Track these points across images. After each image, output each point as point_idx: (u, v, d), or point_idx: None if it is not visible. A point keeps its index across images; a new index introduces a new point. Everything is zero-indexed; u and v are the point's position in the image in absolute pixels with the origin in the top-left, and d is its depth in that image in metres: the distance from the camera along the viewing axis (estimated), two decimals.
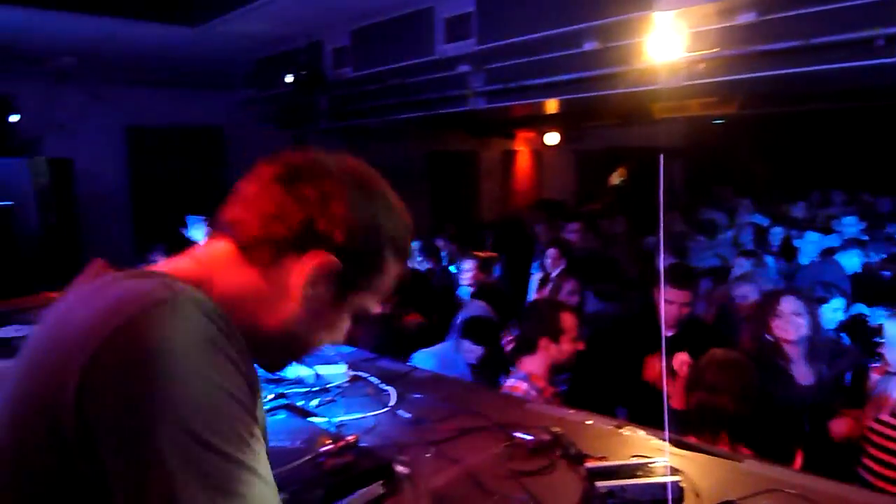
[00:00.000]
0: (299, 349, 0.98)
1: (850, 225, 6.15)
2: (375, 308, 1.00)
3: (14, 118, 5.16)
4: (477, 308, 3.90)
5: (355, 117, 7.19)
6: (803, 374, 2.95)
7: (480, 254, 5.37)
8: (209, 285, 0.86)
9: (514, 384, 2.64)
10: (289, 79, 6.05)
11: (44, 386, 0.76)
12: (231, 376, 0.77)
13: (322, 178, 0.92)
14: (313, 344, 0.98)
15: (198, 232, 4.78)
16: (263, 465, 0.78)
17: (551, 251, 5.14)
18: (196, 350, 0.75)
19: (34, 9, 4.71)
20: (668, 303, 3.25)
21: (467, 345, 3.43)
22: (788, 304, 2.99)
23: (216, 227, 0.96)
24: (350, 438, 1.59)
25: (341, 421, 1.91)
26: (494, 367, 3.38)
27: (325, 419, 1.89)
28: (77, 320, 0.79)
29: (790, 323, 2.96)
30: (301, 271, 0.90)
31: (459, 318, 3.74)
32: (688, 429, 2.24)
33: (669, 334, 3.31)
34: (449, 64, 5.62)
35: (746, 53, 4.26)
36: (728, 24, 4.23)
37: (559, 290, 4.09)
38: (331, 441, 1.55)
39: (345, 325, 0.99)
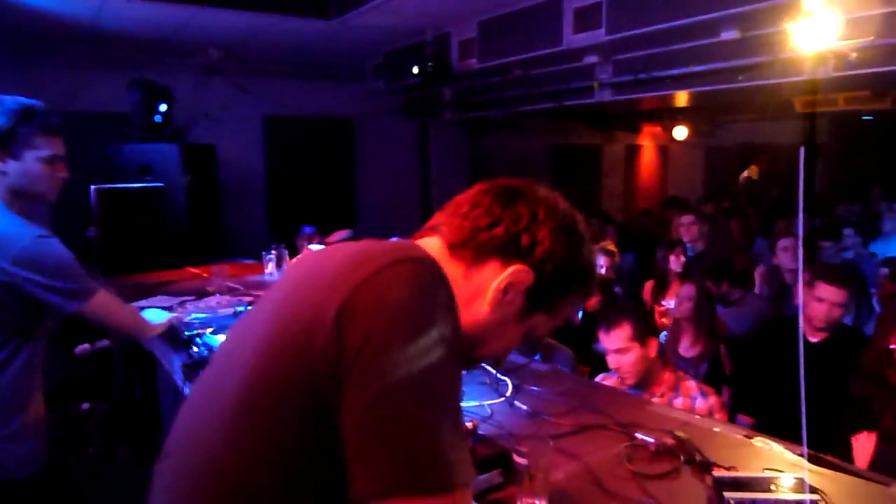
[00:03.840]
0: (472, 353, 1.03)
1: None
2: (545, 334, 1.05)
3: (163, 107, 5.62)
4: None
5: (479, 109, 7.22)
6: None
7: (610, 246, 5.17)
8: None
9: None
10: (415, 70, 6.17)
11: (306, 311, 0.85)
12: (456, 338, 0.85)
13: (536, 204, 1.01)
14: (485, 352, 1.05)
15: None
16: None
17: (677, 250, 4.92)
18: (440, 305, 0.85)
19: (192, 6, 5.10)
20: (819, 301, 2.99)
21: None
22: None
23: (427, 228, 1.05)
24: (469, 424, 1.61)
25: None
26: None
27: None
28: (337, 262, 0.91)
29: None
30: (498, 277, 0.98)
31: None
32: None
33: (815, 341, 3.06)
34: (576, 55, 5.51)
35: None
36: (886, 10, 3.86)
37: (676, 295, 3.83)
38: None
39: (515, 342, 1.06)
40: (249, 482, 0.84)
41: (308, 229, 5.52)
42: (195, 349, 2.44)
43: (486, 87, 6.73)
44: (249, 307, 2.82)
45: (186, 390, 2.25)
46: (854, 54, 4.21)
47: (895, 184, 9.58)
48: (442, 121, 8.09)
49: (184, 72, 6.70)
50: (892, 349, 2.67)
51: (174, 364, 2.46)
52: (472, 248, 0.98)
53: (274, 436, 0.83)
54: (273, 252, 4.34)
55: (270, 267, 4.30)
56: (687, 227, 5.59)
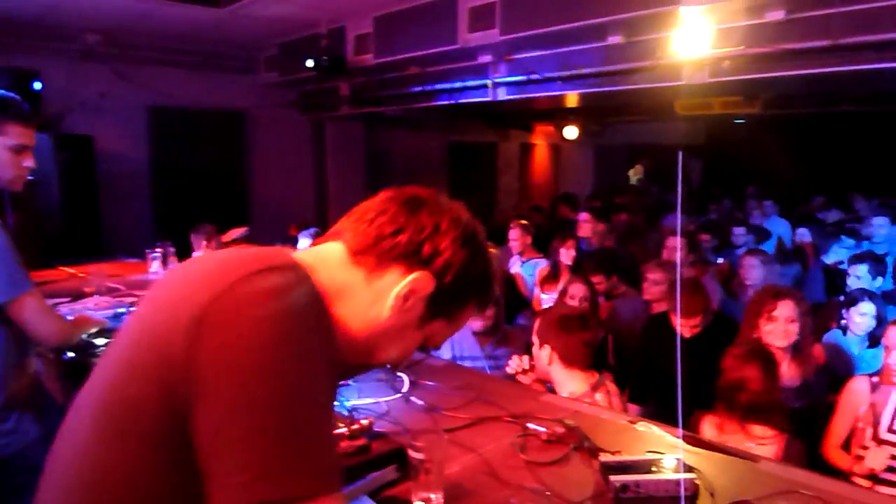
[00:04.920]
0: (371, 359, 1.04)
1: (882, 226, 5.92)
2: (443, 341, 1.10)
3: (37, 85, 5.22)
4: None
5: (376, 104, 7.18)
6: (789, 375, 2.87)
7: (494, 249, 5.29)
8: (315, 275, 0.92)
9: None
10: (310, 64, 6.04)
11: (167, 318, 0.84)
12: (323, 347, 0.85)
13: (440, 214, 1.02)
14: (384, 357, 1.05)
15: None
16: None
17: (569, 244, 5.09)
18: (305, 315, 0.84)
19: None
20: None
21: None
22: (784, 310, 2.87)
23: (331, 233, 1.05)
24: (364, 422, 1.60)
25: (354, 405, 1.92)
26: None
27: (338, 402, 1.89)
28: (205, 270, 0.91)
29: (782, 330, 2.86)
30: (399, 283, 0.98)
31: None
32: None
33: (689, 336, 3.30)
34: (471, 54, 5.59)
35: (773, 52, 4.21)
36: (756, 22, 4.18)
37: (566, 294, 3.95)
38: (344, 424, 1.55)
39: (413, 348, 1.07)
40: (113, 497, 0.82)
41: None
42: (70, 353, 2.29)
43: (382, 83, 6.70)
44: (132, 308, 2.68)
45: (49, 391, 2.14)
46: (726, 62, 4.53)
47: (767, 182, 10.38)
48: (338, 115, 7.99)
49: (57, 57, 6.23)
50: (758, 337, 2.90)
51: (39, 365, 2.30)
52: (376, 255, 0.99)
53: (134, 448, 0.82)
54: (158, 250, 4.13)
55: (155, 266, 4.09)
56: (581, 224, 5.79)
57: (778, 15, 4.03)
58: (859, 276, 3.97)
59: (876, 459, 2.37)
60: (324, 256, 1.00)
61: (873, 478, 2.39)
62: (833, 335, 3.54)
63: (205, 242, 4.71)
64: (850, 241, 5.26)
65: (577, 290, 3.78)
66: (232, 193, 7.92)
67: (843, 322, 3.50)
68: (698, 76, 4.72)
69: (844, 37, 3.84)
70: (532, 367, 2.52)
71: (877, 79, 4.99)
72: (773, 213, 8.08)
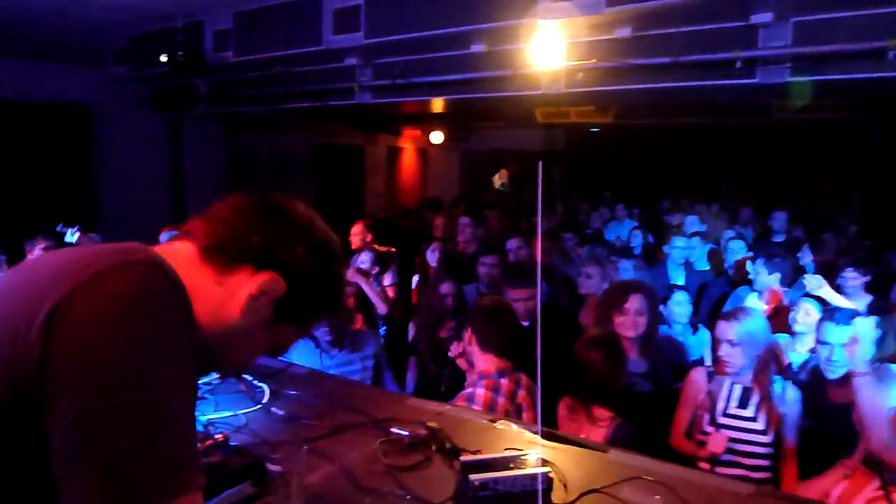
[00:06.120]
0: (218, 359, 1.02)
1: (692, 223, 6.55)
2: (290, 346, 1.09)
3: None
4: None
5: (236, 104, 6.91)
6: (636, 364, 3.09)
7: (380, 247, 5.25)
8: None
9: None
10: (164, 59, 5.70)
11: (15, 317, 0.79)
12: (185, 343, 0.83)
13: (296, 220, 1.02)
14: (231, 360, 1.04)
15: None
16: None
17: (434, 245, 5.15)
18: (165, 311, 0.83)
19: None
20: (515, 301, 3.39)
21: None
22: (634, 303, 3.11)
23: (179, 233, 1.02)
24: (218, 437, 1.53)
25: (210, 419, 1.82)
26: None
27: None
28: (54, 267, 0.85)
29: (632, 322, 3.09)
30: (251, 283, 0.97)
31: None
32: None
33: (525, 324, 3.40)
34: (336, 56, 5.53)
35: (620, 66, 4.51)
36: (605, 38, 4.45)
37: (434, 291, 4.02)
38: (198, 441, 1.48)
39: (260, 351, 1.07)
40: None
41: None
42: None
43: (244, 82, 6.46)
44: None
45: None
46: (580, 74, 4.79)
47: (621, 186, 11.08)
48: (196, 114, 7.61)
49: None
50: (611, 329, 3.10)
51: None
52: (227, 254, 0.97)
53: None
54: None
55: None
56: (462, 229, 5.89)
57: (625, 32, 4.31)
58: (758, 272, 4.10)
59: (716, 443, 2.60)
60: (177, 254, 0.96)
61: (714, 460, 2.61)
62: (664, 328, 3.86)
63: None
64: (682, 240, 5.71)
65: (447, 288, 3.87)
66: (75, 193, 7.29)
67: (665, 313, 3.84)
68: (555, 86, 4.96)
69: (684, 55, 4.19)
70: None
71: (711, 94, 5.48)
72: (624, 215, 8.66)
